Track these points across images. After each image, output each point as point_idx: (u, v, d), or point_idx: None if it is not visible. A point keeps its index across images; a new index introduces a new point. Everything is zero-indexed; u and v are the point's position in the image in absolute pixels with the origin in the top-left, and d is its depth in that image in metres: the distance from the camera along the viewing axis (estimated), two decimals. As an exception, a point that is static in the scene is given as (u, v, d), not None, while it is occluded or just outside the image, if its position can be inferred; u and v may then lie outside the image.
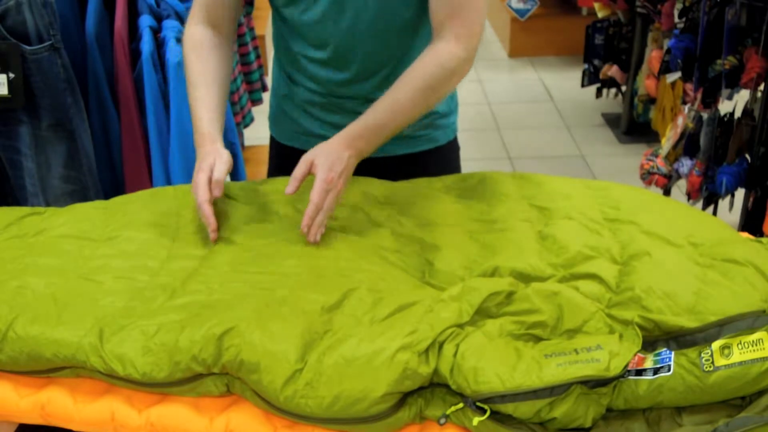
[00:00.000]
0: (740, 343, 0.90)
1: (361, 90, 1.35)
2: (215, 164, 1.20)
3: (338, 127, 1.38)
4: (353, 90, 1.36)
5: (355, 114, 1.34)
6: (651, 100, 3.47)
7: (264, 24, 4.43)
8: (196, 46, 1.33)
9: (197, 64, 1.31)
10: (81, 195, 1.67)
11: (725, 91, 2.56)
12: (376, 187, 1.33)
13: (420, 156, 1.44)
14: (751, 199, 2.59)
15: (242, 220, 1.26)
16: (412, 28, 1.30)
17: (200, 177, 1.19)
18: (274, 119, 1.51)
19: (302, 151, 1.42)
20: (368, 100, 1.36)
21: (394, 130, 1.24)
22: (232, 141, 2.08)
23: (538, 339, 0.98)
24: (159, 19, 1.72)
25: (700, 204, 2.78)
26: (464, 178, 1.34)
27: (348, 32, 1.29)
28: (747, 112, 2.58)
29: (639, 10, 3.38)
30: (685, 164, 2.77)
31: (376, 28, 1.28)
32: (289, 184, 1.17)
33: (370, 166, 1.31)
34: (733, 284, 0.97)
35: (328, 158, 1.17)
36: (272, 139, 1.54)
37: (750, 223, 2.59)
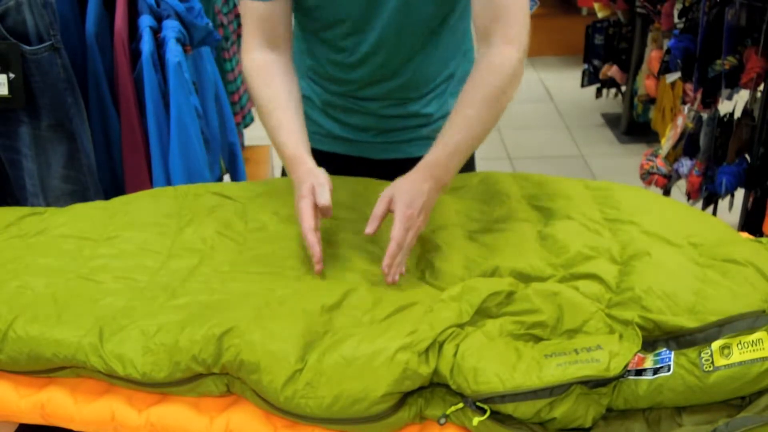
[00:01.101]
0: (740, 343, 0.90)
1: (382, 91, 1.35)
2: (315, 188, 1.13)
3: (359, 129, 1.37)
4: (374, 91, 1.35)
5: (376, 116, 1.33)
6: (651, 100, 3.47)
7: (264, 24, 4.42)
8: (260, 73, 1.26)
9: (265, 91, 1.25)
10: (81, 195, 1.67)
11: (725, 92, 2.56)
12: (376, 187, 1.33)
13: None
14: (750, 199, 2.59)
15: (242, 220, 1.26)
16: (433, 24, 1.29)
17: (303, 204, 1.12)
18: None
19: (321, 152, 1.42)
20: (390, 101, 1.35)
21: (469, 150, 1.17)
22: (232, 141, 2.08)
23: (538, 339, 0.98)
24: (159, 19, 1.72)
25: (699, 204, 2.78)
26: (464, 178, 1.34)
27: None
28: (747, 112, 2.59)
29: (639, 10, 3.39)
30: (685, 164, 2.77)
31: (397, 25, 1.26)
32: (369, 224, 1.10)
33: (389, 169, 1.30)
34: (733, 284, 0.97)
35: (408, 194, 1.11)
36: None
37: (750, 223, 2.59)
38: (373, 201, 1.28)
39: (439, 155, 1.15)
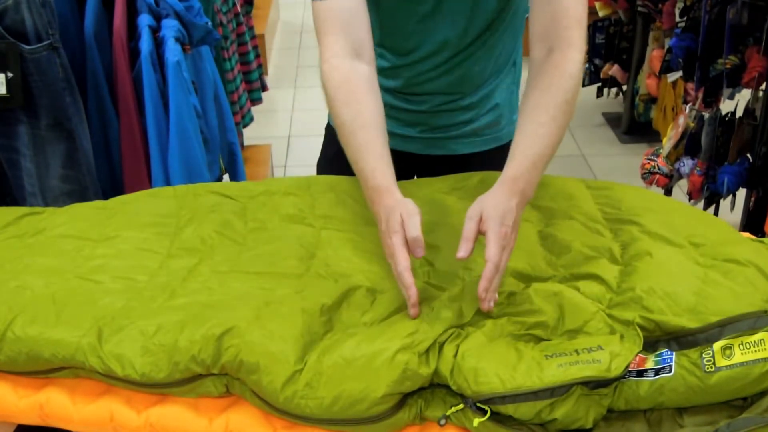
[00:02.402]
0: (741, 343, 0.89)
1: (439, 85, 1.34)
2: (405, 221, 1.03)
3: (407, 124, 1.34)
4: (431, 86, 1.34)
5: (426, 113, 1.33)
6: (652, 100, 3.47)
7: (264, 24, 4.43)
8: (343, 84, 1.14)
9: (349, 106, 1.13)
10: (80, 195, 1.67)
11: (726, 91, 2.56)
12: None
13: (484, 154, 1.41)
14: (752, 199, 2.59)
15: (242, 220, 1.25)
16: (495, 18, 1.29)
17: (395, 240, 1.02)
18: None
19: None
20: (443, 95, 1.35)
21: (547, 159, 1.10)
22: (232, 141, 2.08)
23: (538, 339, 0.98)
24: (158, 18, 1.72)
25: (701, 204, 2.77)
26: (465, 178, 1.34)
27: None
28: (748, 111, 2.58)
29: (640, 9, 3.38)
30: (687, 164, 2.77)
31: (466, 19, 1.26)
32: (461, 247, 1.00)
33: (430, 165, 1.28)
34: (735, 284, 0.97)
35: (497, 210, 1.02)
36: (331, 130, 1.52)
37: (751, 223, 2.58)
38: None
39: (521, 169, 1.07)
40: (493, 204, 1.03)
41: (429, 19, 1.26)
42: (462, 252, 1.00)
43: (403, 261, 1.01)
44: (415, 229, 1.02)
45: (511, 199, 1.04)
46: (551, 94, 1.12)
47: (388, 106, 1.34)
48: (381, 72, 1.36)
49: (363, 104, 1.14)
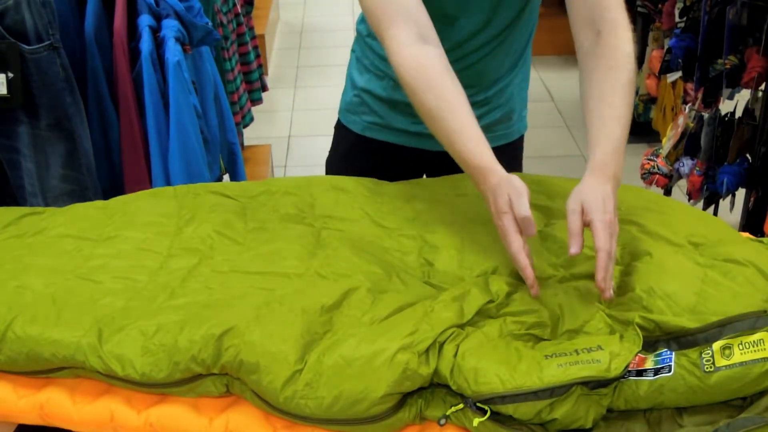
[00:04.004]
0: (741, 343, 0.89)
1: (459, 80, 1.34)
2: (513, 201, 1.05)
3: (421, 122, 1.36)
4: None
5: None
6: (651, 100, 3.47)
7: (264, 23, 4.43)
8: (421, 71, 1.15)
9: (433, 91, 1.14)
10: (80, 195, 1.67)
11: (726, 91, 2.56)
12: (376, 186, 1.33)
13: (494, 151, 1.41)
14: (752, 199, 2.59)
15: (242, 220, 1.25)
16: (516, 19, 1.29)
17: (506, 221, 1.05)
18: (350, 109, 1.49)
19: (375, 140, 1.41)
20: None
21: (626, 138, 1.13)
22: (232, 141, 2.08)
23: (538, 339, 0.98)
24: (158, 18, 1.72)
25: (700, 204, 2.77)
26: (464, 178, 1.34)
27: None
28: (748, 111, 2.58)
29: (640, 9, 3.38)
30: (686, 164, 2.77)
31: (486, 18, 1.26)
32: (572, 243, 1.01)
33: (443, 162, 1.27)
34: (734, 284, 0.97)
35: (597, 199, 1.03)
36: (342, 128, 1.51)
37: (751, 223, 2.58)
38: (385, 202, 1.27)
39: (607, 154, 1.09)
40: (592, 193, 1.04)
41: (453, 15, 1.26)
42: (574, 248, 1.01)
43: (515, 243, 1.04)
44: (524, 209, 1.03)
45: (605, 185, 1.06)
46: (615, 75, 1.14)
47: (403, 103, 1.33)
48: None
49: (444, 88, 1.15)
